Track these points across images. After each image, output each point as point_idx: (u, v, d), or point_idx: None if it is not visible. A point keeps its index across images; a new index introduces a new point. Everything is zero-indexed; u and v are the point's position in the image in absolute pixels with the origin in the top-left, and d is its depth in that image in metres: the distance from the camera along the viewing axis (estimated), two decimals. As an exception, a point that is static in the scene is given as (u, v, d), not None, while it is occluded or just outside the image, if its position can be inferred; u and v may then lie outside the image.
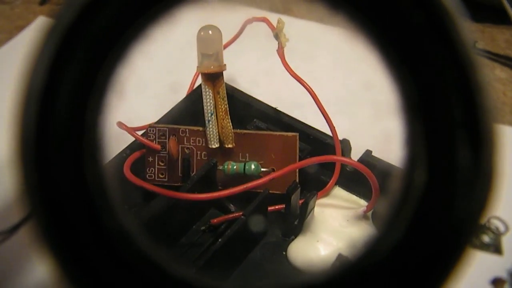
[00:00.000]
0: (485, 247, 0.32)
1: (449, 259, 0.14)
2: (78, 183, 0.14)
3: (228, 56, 0.37)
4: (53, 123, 0.13)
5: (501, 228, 0.32)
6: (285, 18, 0.51)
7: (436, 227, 0.14)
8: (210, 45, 0.30)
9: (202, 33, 0.30)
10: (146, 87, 0.43)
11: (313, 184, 0.33)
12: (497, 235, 0.32)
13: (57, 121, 0.13)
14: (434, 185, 0.14)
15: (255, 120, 0.35)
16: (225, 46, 0.37)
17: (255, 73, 0.45)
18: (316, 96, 0.32)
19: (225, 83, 0.37)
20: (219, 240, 0.28)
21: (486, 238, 0.32)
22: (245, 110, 0.36)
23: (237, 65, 0.46)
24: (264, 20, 0.35)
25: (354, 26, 0.14)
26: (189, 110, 0.35)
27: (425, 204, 0.14)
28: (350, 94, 0.44)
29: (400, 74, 0.14)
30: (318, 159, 0.30)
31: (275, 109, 0.36)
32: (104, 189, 0.14)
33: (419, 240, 0.14)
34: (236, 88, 0.37)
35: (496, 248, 0.32)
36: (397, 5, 0.13)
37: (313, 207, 0.31)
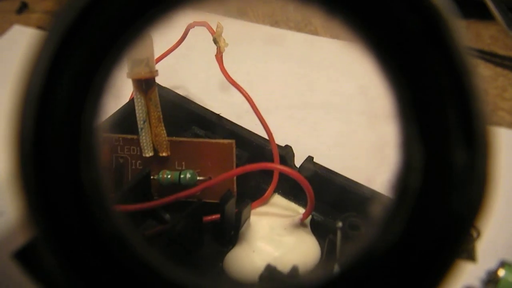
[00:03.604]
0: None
1: (445, 260, 0.14)
2: (74, 187, 0.14)
3: (173, 62, 0.36)
4: (51, 127, 0.14)
5: (474, 234, 0.32)
6: (239, 22, 0.51)
7: (432, 229, 0.14)
8: (139, 50, 0.30)
9: (131, 39, 0.30)
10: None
11: (254, 192, 0.32)
12: (470, 241, 0.32)
13: (54, 124, 0.14)
14: (430, 187, 0.14)
15: (193, 127, 0.34)
16: (170, 51, 0.36)
17: (203, 78, 0.44)
18: (252, 101, 0.31)
19: (167, 88, 0.36)
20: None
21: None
22: (185, 116, 0.35)
23: (184, 71, 0.45)
24: (204, 24, 0.34)
25: (350, 31, 0.14)
26: (128, 118, 0.34)
27: (421, 207, 0.14)
28: (303, 100, 0.44)
29: (396, 79, 0.14)
30: (252, 166, 0.29)
31: (218, 115, 0.35)
32: (100, 193, 0.14)
33: (415, 243, 0.14)
34: (177, 93, 0.36)
35: (469, 254, 0.31)
36: (392, 10, 0.13)
37: (248, 216, 0.30)
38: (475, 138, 0.13)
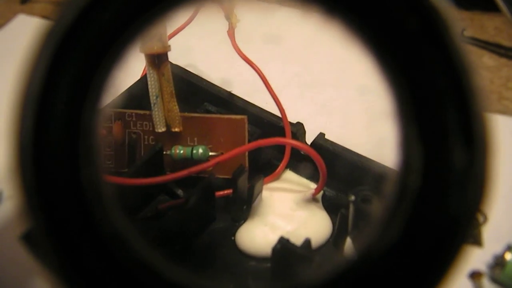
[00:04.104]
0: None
1: (444, 260, 0.14)
2: (73, 187, 0.14)
3: (184, 40, 0.36)
4: (50, 127, 0.14)
5: (480, 218, 0.32)
6: (250, 1, 0.50)
7: (431, 229, 0.14)
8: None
9: (144, 13, 0.29)
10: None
11: (265, 169, 0.32)
12: (476, 226, 0.32)
13: (53, 124, 0.14)
14: (429, 188, 0.14)
15: (205, 103, 0.34)
16: (181, 29, 0.36)
17: (214, 56, 0.44)
18: (265, 78, 0.31)
19: (178, 66, 0.36)
20: (160, 225, 0.28)
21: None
22: (196, 93, 0.35)
23: (195, 49, 0.45)
24: (216, 0, 0.34)
25: (349, 31, 0.14)
26: (141, 94, 0.34)
27: (420, 207, 0.14)
28: (314, 79, 0.44)
29: (395, 79, 0.14)
30: (265, 141, 0.30)
31: (229, 92, 0.35)
32: (99, 193, 0.14)
33: (414, 243, 0.14)
34: (188, 71, 0.36)
35: (475, 239, 0.31)
36: (392, 11, 0.13)
37: (261, 191, 0.30)
38: (474, 139, 0.14)
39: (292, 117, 0.33)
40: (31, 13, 0.51)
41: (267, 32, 0.46)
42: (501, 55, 0.46)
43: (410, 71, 0.14)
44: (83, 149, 0.14)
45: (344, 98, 0.41)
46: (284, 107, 0.32)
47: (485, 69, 0.45)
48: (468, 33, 0.47)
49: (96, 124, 0.14)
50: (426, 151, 0.14)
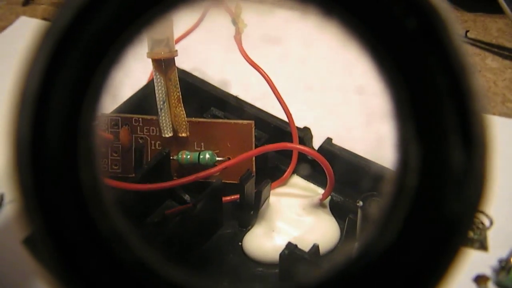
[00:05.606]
0: (469, 242, 0.31)
1: (442, 260, 0.14)
2: (72, 188, 0.14)
3: (190, 44, 0.36)
4: (48, 129, 0.14)
5: (486, 223, 0.31)
6: (256, 6, 0.50)
7: (430, 228, 0.14)
8: (160, 30, 0.30)
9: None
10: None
11: (272, 174, 0.32)
12: (482, 230, 0.32)
13: (51, 126, 0.14)
14: (427, 187, 0.14)
15: (212, 108, 0.34)
16: (187, 33, 0.36)
17: (221, 61, 0.44)
18: (272, 83, 0.31)
19: (185, 71, 0.36)
20: (168, 230, 0.27)
21: (471, 234, 0.31)
22: (203, 98, 0.35)
23: (201, 54, 0.45)
24: (223, 5, 0.34)
25: (347, 32, 0.14)
26: (148, 99, 0.34)
27: (417, 206, 0.14)
28: (320, 83, 0.44)
29: (393, 79, 0.14)
30: (272, 146, 0.29)
31: (235, 97, 0.35)
32: (98, 195, 0.14)
33: (413, 243, 0.14)
34: (194, 76, 0.36)
35: (481, 243, 0.31)
36: (390, 11, 0.13)
37: (268, 196, 0.30)
38: (472, 138, 0.13)
39: (299, 122, 0.33)
40: (33, 15, 0.51)
41: (266, 34, 0.46)
42: (504, 57, 0.46)
43: (408, 71, 0.13)
44: (81, 150, 0.14)
45: (351, 102, 0.41)
46: (291, 111, 0.32)
47: (488, 71, 0.45)
48: (471, 35, 0.47)
49: (95, 126, 0.14)
50: (423, 151, 0.14)
